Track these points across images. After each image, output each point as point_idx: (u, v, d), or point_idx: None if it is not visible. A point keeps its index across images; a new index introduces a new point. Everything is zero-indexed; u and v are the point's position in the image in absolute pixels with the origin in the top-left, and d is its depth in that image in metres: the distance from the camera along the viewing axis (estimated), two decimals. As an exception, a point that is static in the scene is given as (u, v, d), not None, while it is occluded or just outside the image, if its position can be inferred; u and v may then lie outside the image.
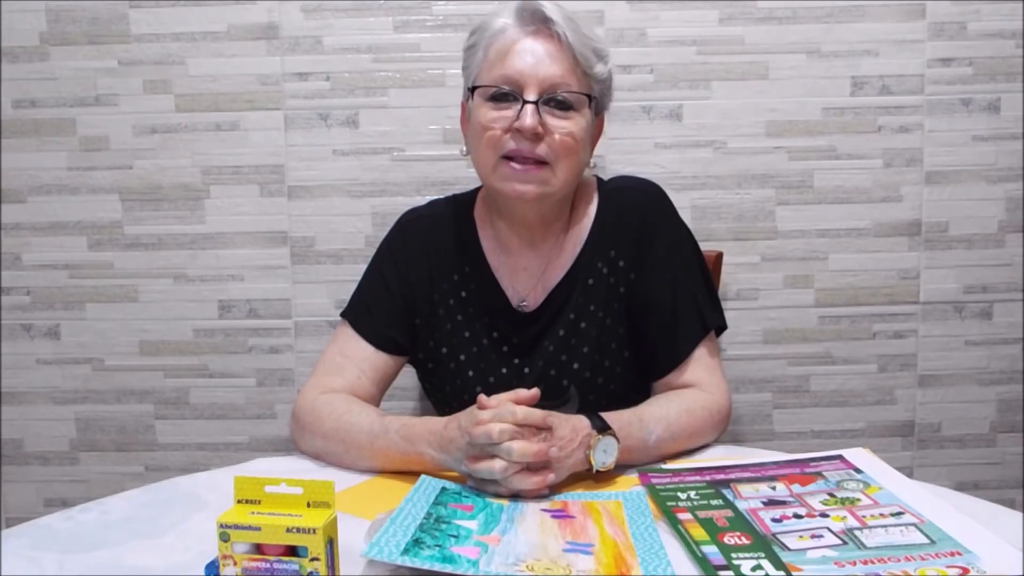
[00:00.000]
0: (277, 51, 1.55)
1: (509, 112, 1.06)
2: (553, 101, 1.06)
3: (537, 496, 0.90)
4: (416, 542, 0.72)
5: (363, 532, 0.79)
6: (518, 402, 0.93)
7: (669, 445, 1.03)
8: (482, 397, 0.95)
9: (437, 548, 0.72)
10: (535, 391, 0.96)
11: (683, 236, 1.18)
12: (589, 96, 1.09)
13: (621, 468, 0.97)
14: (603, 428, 0.95)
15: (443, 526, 0.78)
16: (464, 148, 1.15)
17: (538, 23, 1.07)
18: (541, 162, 1.06)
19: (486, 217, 1.20)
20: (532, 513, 0.85)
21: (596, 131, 1.16)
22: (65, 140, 1.57)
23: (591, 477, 0.96)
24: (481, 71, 1.10)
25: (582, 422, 0.95)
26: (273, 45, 1.55)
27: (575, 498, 0.91)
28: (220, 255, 1.59)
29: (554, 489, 0.92)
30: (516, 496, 0.90)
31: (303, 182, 1.58)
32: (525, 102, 1.05)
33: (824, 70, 1.54)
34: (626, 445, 0.96)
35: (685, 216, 1.21)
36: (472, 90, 1.10)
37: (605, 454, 0.94)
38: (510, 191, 1.08)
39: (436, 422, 0.98)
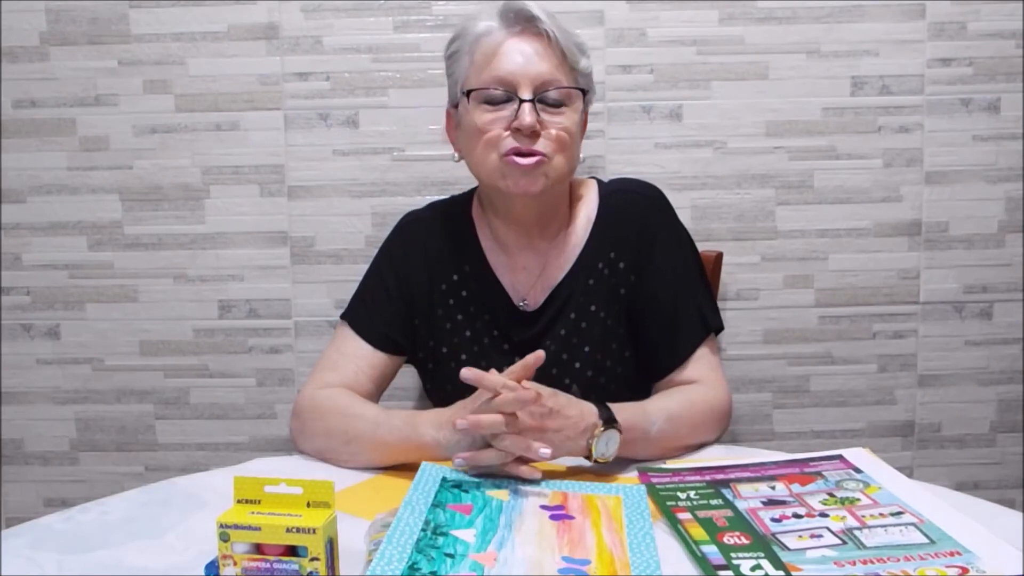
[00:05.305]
0: (277, 51, 1.55)
1: (504, 112, 1.07)
2: (547, 98, 1.07)
3: (534, 482, 0.91)
4: (412, 567, 0.71)
5: (363, 532, 0.79)
6: (517, 379, 0.94)
7: (671, 437, 1.04)
8: (481, 376, 0.94)
9: None
10: (539, 353, 0.96)
11: (683, 239, 1.19)
12: (582, 90, 1.10)
13: (622, 465, 0.98)
14: (609, 420, 0.96)
15: (440, 540, 0.77)
16: (456, 155, 1.16)
17: (523, 22, 1.08)
18: (540, 157, 1.07)
19: (484, 216, 1.20)
20: (531, 513, 0.85)
21: (582, 126, 1.17)
22: (65, 140, 1.57)
23: (590, 471, 0.97)
24: (470, 75, 1.10)
25: (591, 410, 0.97)
26: (273, 45, 1.55)
27: (576, 489, 0.91)
28: (220, 255, 1.59)
29: (556, 475, 0.93)
30: (516, 492, 0.90)
31: (303, 182, 1.58)
32: (522, 101, 1.05)
33: (824, 70, 1.54)
34: (629, 437, 0.97)
35: (685, 216, 1.22)
36: (467, 94, 1.09)
37: (607, 446, 0.96)
38: (515, 188, 1.08)
39: (439, 410, 1.00)
